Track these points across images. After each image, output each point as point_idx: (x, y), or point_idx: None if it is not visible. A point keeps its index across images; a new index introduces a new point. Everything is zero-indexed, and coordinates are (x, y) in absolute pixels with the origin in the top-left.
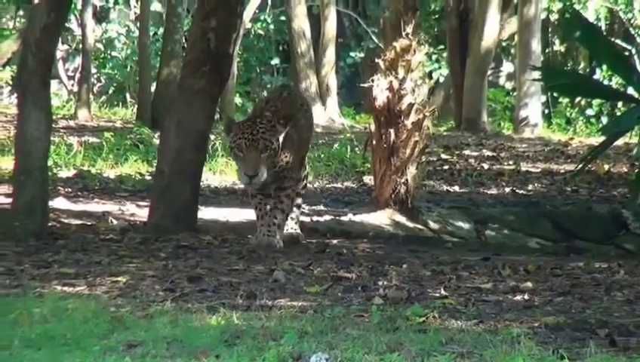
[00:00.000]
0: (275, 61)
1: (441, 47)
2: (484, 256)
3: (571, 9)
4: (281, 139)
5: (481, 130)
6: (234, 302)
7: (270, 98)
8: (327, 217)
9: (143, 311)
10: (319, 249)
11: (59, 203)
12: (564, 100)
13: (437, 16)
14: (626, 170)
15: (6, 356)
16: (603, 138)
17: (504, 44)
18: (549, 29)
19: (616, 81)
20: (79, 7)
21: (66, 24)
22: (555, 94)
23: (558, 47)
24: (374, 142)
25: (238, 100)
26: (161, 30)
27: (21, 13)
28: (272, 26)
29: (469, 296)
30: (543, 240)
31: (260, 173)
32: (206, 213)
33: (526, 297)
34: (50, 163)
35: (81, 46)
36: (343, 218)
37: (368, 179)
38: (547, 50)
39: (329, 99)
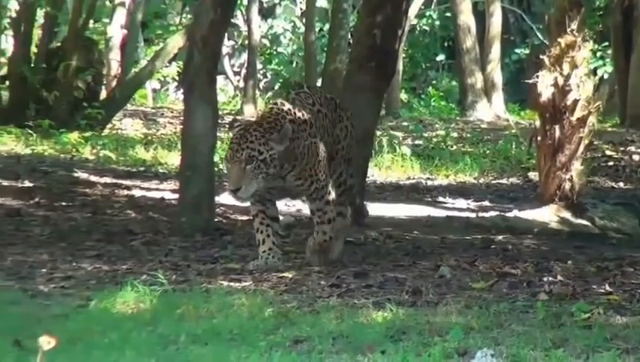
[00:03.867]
0: (441, 57)
1: (606, 43)
2: None
3: None
4: (277, 148)
5: None
6: (399, 298)
7: (277, 102)
8: (493, 213)
9: (309, 306)
10: (485, 245)
11: (225, 198)
12: None
13: (601, 12)
14: None
15: (173, 351)
16: None
17: None
18: None
19: None
20: (245, 3)
21: (232, 20)
22: None
23: None
24: (539, 139)
25: (403, 96)
26: (326, 26)
27: (187, 9)
28: (437, 22)
29: (633, 292)
30: None
31: (245, 187)
32: (372, 208)
33: None
34: (216, 158)
35: (247, 42)
36: (509, 214)
37: (533, 175)
38: None
39: (494, 95)
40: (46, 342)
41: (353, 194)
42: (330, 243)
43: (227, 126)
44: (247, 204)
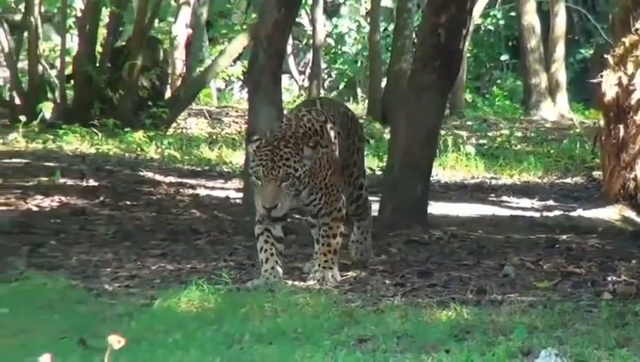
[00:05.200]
0: (505, 57)
1: None
2: None
3: None
4: (309, 164)
5: None
6: (464, 297)
7: (296, 115)
8: (557, 212)
9: (374, 305)
10: (549, 244)
11: None
12: None
13: None
14: None
15: (237, 350)
16: None
17: None
18: None
19: None
20: (310, 2)
21: (297, 19)
22: None
23: None
24: (603, 138)
25: (467, 96)
26: (391, 26)
27: (252, 8)
28: (501, 22)
29: None
30: None
31: (280, 205)
32: (436, 208)
33: None
34: None
35: (311, 41)
36: (573, 213)
37: (597, 175)
38: None
39: (559, 95)
40: (116, 341)
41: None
42: (336, 257)
43: (246, 138)
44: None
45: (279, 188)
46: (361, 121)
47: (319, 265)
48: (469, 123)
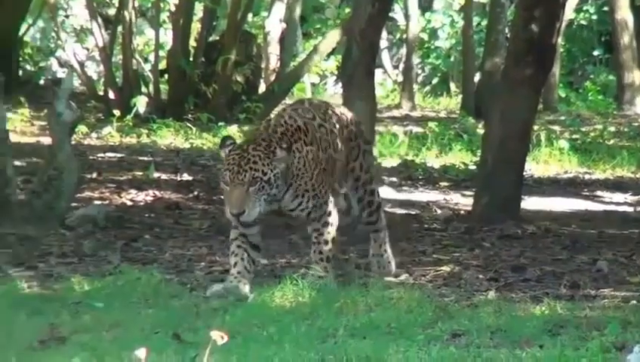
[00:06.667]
0: (598, 52)
1: None
2: None
3: None
4: (281, 166)
5: None
6: (557, 292)
7: (277, 114)
8: None
9: (467, 300)
10: None
11: (383, 192)
12: None
13: None
14: None
15: (331, 345)
16: None
17: None
18: None
19: None
20: None
21: (390, 14)
22: None
23: None
24: None
25: (561, 91)
26: (484, 21)
27: (346, 3)
28: (594, 17)
29: None
30: None
31: (248, 211)
32: (529, 202)
33: None
34: (374, 152)
35: (405, 36)
36: None
37: None
38: None
39: None
40: (219, 337)
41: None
42: (329, 264)
43: (220, 142)
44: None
45: (247, 194)
46: (453, 116)
47: (312, 275)
48: (562, 118)
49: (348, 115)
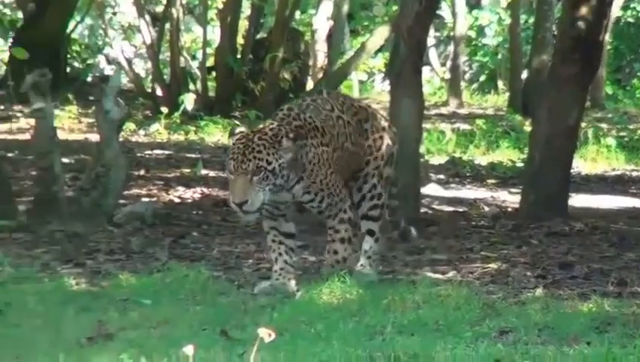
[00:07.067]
0: None
1: None
2: None
3: None
4: (287, 156)
5: None
6: (605, 289)
7: (284, 107)
8: None
9: (515, 297)
10: None
11: (431, 189)
12: None
13: None
14: None
15: (379, 342)
16: None
17: None
18: None
19: None
20: None
21: (438, 11)
22: None
23: None
24: None
25: (608, 88)
26: (532, 18)
27: (393, 0)
28: None
29: None
30: None
31: (251, 200)
32: (577, 200)
33: None
34: (422, 149)
35: (452, 33)
36: None
37: None
38: None
39: None
40: (266, 334)
41: (396, 218)
42: (345, 265)
43: (229, 133)
44: (251, 219)
45: (250, 183)
46: (501, 113)
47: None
48: (610, 115)
49: (369, 109)
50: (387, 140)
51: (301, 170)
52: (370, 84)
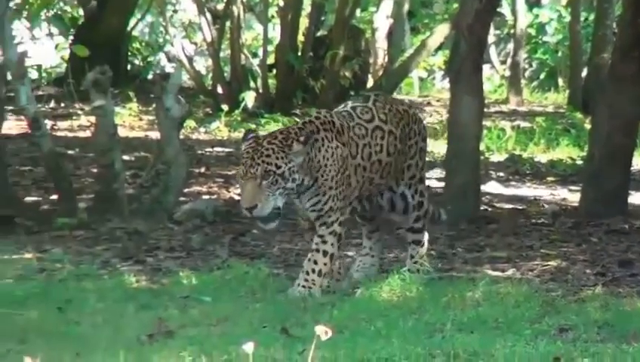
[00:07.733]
0: None
1: None
2: None
3: None
4: (297, 160)
5: None
6: None
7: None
8: None
9: (574, 295)
10: None
11: (491, 187)
12: None
13: None
14: None
15: (439, 339)
16: None
17: None
18: None
19: None
20: None
21: (498, 9)
22: None
23: None
24: None
25: None
26: (592, 15)
27: None
28: None
29: None
30: None
31: (261, 205)
32: (637, 197)
33: None
34: (482, 147)
35: (512, 31)
36: None
37: None
38: None
39: None
40: (323, 332)
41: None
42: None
43: (243, 136)
44: (271, 226)
45: (259, 187)
46: (561, 111)
47: (298, 284)
48: None
49: (410, 111)
50: (421, 144)
51: (316, 170)
52: (430, 81)
